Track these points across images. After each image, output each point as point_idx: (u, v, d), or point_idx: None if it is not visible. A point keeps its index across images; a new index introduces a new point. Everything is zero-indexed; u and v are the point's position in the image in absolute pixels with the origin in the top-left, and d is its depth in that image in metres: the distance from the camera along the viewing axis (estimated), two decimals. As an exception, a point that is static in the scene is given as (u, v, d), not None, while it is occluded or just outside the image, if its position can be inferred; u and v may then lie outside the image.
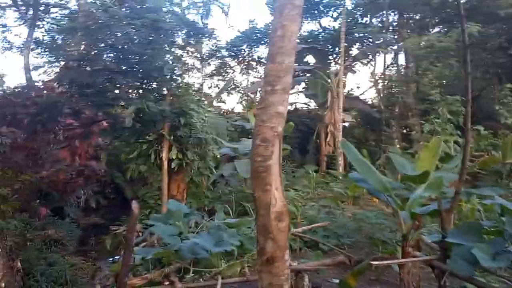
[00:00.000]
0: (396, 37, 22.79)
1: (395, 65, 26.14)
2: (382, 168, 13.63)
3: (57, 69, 19.70)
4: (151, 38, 6.11)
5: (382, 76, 25.96)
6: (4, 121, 9.21)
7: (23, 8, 17.64)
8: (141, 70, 6.46)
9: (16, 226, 7.06)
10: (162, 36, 6.22)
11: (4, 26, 21.00)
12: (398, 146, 22.87)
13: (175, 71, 6.63)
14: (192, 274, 3.38)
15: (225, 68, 30.70)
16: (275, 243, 2.80)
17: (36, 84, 12.88)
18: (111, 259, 12.12)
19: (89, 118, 8.07)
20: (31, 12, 17.99)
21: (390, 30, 23.18)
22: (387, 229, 8.92)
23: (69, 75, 6.36)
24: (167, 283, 3.34)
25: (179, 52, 6.99)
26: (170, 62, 6.58)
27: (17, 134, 8.80)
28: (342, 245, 7.77)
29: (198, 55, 27.40)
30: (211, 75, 29.94)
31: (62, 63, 9.72)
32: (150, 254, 3.44)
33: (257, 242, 2.89)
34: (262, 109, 2.90)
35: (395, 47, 22.69)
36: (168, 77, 6.51)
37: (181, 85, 6.75)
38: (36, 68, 23.84)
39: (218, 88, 30.09)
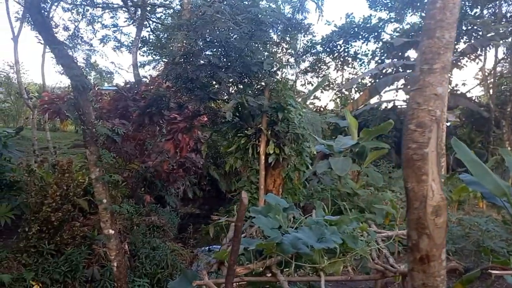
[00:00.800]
0: (510, 29, 20.66)
1: (507, 60, 23.84)
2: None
3: (162, 66, 21.12)
4: (252, 32, 6.19)
5: (493, 71, 23.74)
6: (116, 114, 10.04)
7: (132, 9, 19.08)
8: (241, 65, 6.59)
9: (128, 211, 7.64)
10: (263, 30, 6.27)
11: (116, 26, 22.99)
12: (509, 148, 20.89)
13: (273, 66, 6.66)
14: (292, 269, 3.34)
15: (319, 65, 30.35)
16: (431, 240, 2.61)
17: (143, 79, 13.90)
18: (207, 248, 12.67)
19: (191, 113, 8.45)
20: (139, 12, 19.43)
21: (503, 22, 21.08)
22: (497, 237, 8.20)
23: (174, 70, 6.70)
24: (269, 274, 3.34)
25: (274, 48, 6.99)
26: (270, 58, 6.62)
27: (127, 126, 9.55)
28: (446, 252, 7.22)
29: (292, 52, 27.43)
30: (304, 72, 29.86)
31: (166, 60, 10.39)
32: (253, 245, 3.46)
33: (409, 237, 2.72)
34: (417, 90, 2.68)
35: (509, 39, 20.57)
36: (267, 72, 6.56)
37: (279, 80, 6.75)
38: (143, 65, 25.74)
39: (312, 85, 29.83)
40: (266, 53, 6.71)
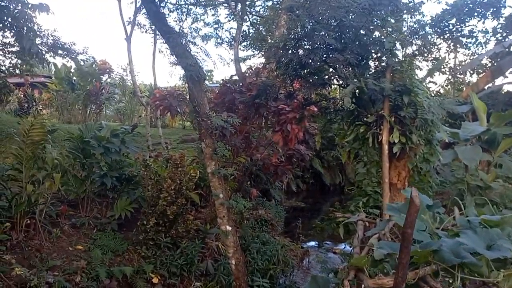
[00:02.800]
0: None
1: None
2: None
3: (262, 58, 21.04)
4: (372, 7, 5.50)
5: None
6: (223, 107, 9.97)
7: (233, 4, 19.19)
8: (358, 45, 5.93)
9: (244, 206, 7.48)
10: (383, 4, 5.56)
11: (217, 23, 23.41)
12: None
13: (396, 44, 5.89)
14: (458, 282, 2.66)
15: (429, 47, 27.89)
16: None
17: (245, 73, 13.82)
18: (317, 244, 12.20)
19: (302, 101, 7.99)
20: (239, 7, 19.50)
21: None
22: None
23: (285, 56, 6.27)
24: (425, 287, 2.72)
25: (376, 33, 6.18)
26: (391, 35, 5.86)
27: (235, 119, 9.42)
28: None
29: (398, 35, 25.52)
30: (413, 55, 27.69)
31: (266, 50, 10.07)
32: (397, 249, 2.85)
33: None
34: None
35: None
36: (388, 51, 5.82)
37: (403, 59, 5.96)
38: (243, 59, 25.94)
39: (420, 69, 27.59)
40: (387, 30, 5.96)
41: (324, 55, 5.95)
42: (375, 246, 3.35)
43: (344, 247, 11.20)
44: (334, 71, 6.15)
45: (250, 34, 23.47)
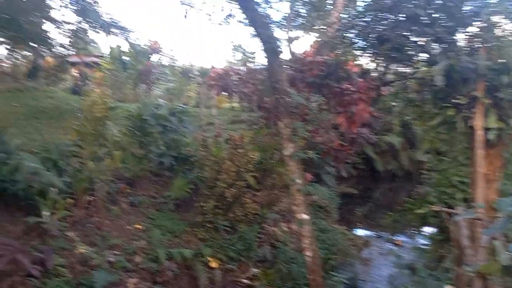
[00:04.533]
0: None
1: None
2: None
3: (313, 39, 20.24)
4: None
5: None
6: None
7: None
8: (447, 18, 5.27)
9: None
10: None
11: (267, 2, 22.75)
12: None
13: (492, 16, 5.18)
14: None
15: None
16: None
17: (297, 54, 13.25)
18: (376, 234, 11.64)
19: (370, 82, 7.41)
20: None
21: None
22: None
23: (363, 30, 5.71)
24: None
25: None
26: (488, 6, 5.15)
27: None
28: None
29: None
30: None
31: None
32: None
33: None
34: None
35: None
36: (484, 23, 5.13)
37: (502, 34, 5.25)
38: (291, 40, 25.21)
39: None
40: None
41: (410, 29, 5.35)
42: (500, 249, 2.84)
43: (405, 239, 10.62)
44: (419, 47, 5.53)
45: (302, 14, 22.65)
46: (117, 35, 14.81)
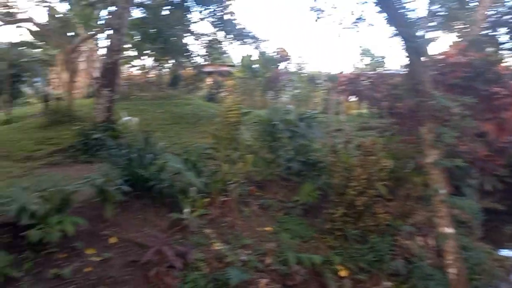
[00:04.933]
0: None
1: None
2: None
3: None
4: None
5: None
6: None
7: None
8: None
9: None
10: None
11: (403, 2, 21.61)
12: None
13: None
14: None
15: None
16: None
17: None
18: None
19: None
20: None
21: None
22: None
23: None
24: None
25: None
26: None
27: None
28: None
29: None
30: None
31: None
32: None
33: None
34: None
35: None
36: None
37: None
38: (428, 41, 23.57)
39: None
40: None
41: None
42: None
43: None
44: None
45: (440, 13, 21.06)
46: (249, 44, 15.52)
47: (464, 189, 12.85)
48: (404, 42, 4.72)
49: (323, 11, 16.93)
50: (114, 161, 8.24)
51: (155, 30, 11.41)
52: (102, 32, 17.98)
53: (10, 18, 17.87)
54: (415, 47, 4.51)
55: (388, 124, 11.76)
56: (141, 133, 9.16)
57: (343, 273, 7.10)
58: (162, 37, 11.74)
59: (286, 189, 9.29)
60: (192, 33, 16.08)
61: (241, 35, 13.58)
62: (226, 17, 10.60)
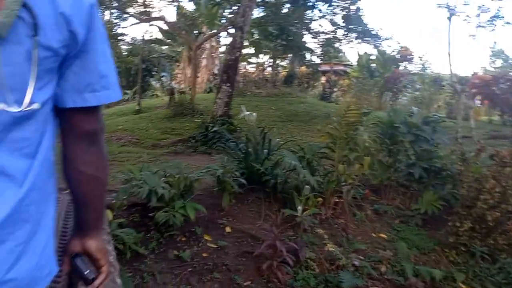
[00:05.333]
0: None
1: None
2: None
3: None
4: None
5: None
6: None
7: None
8: None
9: None
10: None
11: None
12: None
13: None
14: None
15: None
16: None
17: None
18: None
19: None
20: None
21: None
22: None
23: None
24: None
25: None
26: None
27: None
28: None
29: None
30: None
31: None
32: None
33: None
34: None
35: None
36: None
37: None
38: None
39: None
40: None
41: None
42: None
43: None
44: None
45: None
46: (369, 43, 14.97)
47: None
48: None
49: (453, 8, 15.65)
50: (231, 154, 8.58)
51: (276, 28, 11.57)
52: (225, 30, 18.88)
53: (146, 17, 19.68)
54: None
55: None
56: (258, 128, 9.36)
57: (465, 291, 6.45)
58: (284, 34, 11.86)
59: (404, 196, 8.74)
60: (310, 31, 16.06)
61: (364, 33, 13.10)
62: (352, 13, 10.29)
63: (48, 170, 1.16)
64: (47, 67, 1.04)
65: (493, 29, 17.92)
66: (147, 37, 25.09)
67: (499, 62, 35.32)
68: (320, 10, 14.69)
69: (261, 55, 23.73)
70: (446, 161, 8.44)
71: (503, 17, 20.02)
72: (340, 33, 15.42)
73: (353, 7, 11.70)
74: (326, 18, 14.76)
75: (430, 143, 8.51)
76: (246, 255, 6.29)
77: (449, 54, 13.10)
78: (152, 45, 27.67)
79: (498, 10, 18.74)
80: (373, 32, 13.65)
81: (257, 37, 19.61)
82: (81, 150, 1.24)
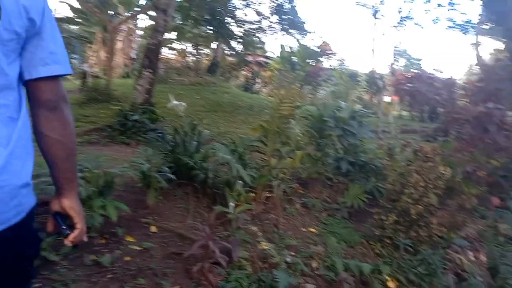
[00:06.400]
0: None
1: None
2: None
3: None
4: None
5: None
6: (484, 96, 8.30)
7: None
8: None
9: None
10: None
11: (451, 4, 20.76)
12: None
13: None
14: None
15: None
16: None
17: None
18: None
19: None
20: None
21: None
22: None
23: None
24: None
25: None
26: None
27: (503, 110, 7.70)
28: None
29: None
30: None
31: None
32: None
33: None
34: None
35: None
36: None
37: None
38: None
39: None
40: None
41: None
42: None
43: None
44: None
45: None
46: (293, 36, 15.04)
47: (509, 202, 12.18)
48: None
49: (369, 7, 16.28)
50: (157, 146, 8.00)
51: (206, 13, 11.07)
52: (145, 13, 17.81)
53: (56, -7, 17.87)
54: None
55: (432, 129, 11.19)
56: (187, 118, 8.84)
57: (391, 284, 6.63)
58: (215, 20, 11.41)
59: (331, 190, 8.85)
60: (235, 19, 15.75)
61: (292, 25, 13.09)
62: (285, 3, 10.17)
63: (27, 131, 1.49)
64: (12, 47, 1.33)
65: (404, 29, 19.15)
66: (56, 16, 22.99)
67: (402, 62, 38.08)
68: (244, -1, 14.52)
69: (184, 41, 22.97)
70: (371, 155, 8.69)
71: (413, 18, 21.50)
72: (265, 23, 15.42)
73: (286, -2, 11.75)
74: (251, 7, 14.59)
75: (356, 137, 8.69)
76: (173, 256, 5.82)
77: (373, 51, 13.59)
78: (61, 24, 25.41)
79: (409, 11, 20.05)
80: (299, 25, 13.75)
81: (180, 22, 18.88)
82: (44, 117, 1.53)
